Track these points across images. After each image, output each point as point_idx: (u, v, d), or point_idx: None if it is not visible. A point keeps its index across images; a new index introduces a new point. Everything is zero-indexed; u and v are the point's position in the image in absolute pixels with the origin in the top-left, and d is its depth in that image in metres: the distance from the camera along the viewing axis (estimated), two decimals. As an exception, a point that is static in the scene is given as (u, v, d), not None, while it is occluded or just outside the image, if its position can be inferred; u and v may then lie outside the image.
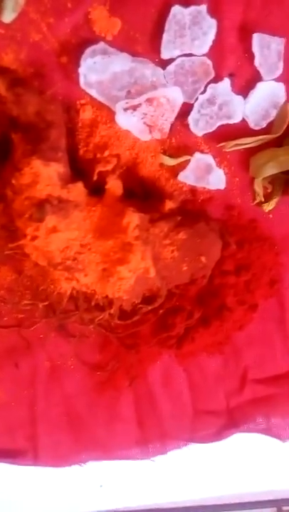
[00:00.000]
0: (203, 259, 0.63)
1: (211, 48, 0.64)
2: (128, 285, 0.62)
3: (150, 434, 0.70)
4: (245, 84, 0.65)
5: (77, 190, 0.61)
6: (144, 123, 0.63)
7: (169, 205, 0.63)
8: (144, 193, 0.66)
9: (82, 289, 0.63)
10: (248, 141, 0.65)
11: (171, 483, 0.73)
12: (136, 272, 0.61)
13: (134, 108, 0.62)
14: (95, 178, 0.63)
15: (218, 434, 0.71)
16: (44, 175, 0.59)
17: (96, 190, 0.63)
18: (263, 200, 0.67)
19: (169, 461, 0.71)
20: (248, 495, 0.75)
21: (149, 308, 0.64)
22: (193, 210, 0.66)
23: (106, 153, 0.64)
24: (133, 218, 0.60)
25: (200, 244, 0.62)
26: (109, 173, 0.63)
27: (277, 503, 0.76)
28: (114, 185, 0.63)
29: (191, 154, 0.65)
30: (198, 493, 0.74)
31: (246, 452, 0.73)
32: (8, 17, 0.62)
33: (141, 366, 0.69)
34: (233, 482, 0.74)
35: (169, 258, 0.62)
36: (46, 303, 0.65)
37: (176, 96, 0.62)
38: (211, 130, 0.65)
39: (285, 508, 0.78)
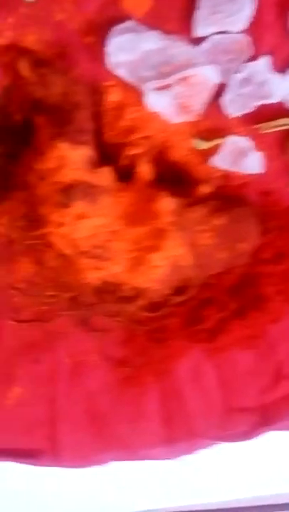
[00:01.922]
0: (241, 245, 0.60)
1: (248, 24, 0.61)
2: (160, 274, 0.59)
3: (177, 432, 0.68)
4: (284, 63, 0.63)
5: (105, 175, 0.58)
6: (176, 104, 0.61)
7: (204, 189, 0.60)
8: (174, 178, 0.63)
9: (109, 279, 0.61)
10: (287, 122, 0.63)
11: (194, 484, 0.71)
12: (170, 260, 0.58)
13: (166, 88, 0.60)
14: (124, 162, 0.61)
15: (249, 433, 0.68)
16: (71, 158, 0.57)
17: (124, 175, 0.60)
18: (302, 184, 0.65)
19: (194, 460, 0.69)
20: (280, 496, 0.72)
21: (181, 299, 0.62)
22: (230, 195, 0.63)
23: (135, 136, 0.62)
24: (167, 203, 0.58)
25: (239, 229, 0.60)
26: (139, 156, 0.60)
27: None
28: (145, 170, 0.60)
29: (225, 137, 0.63)
30: (224, 494, 0.71)
31: (278, 451, 0.71)
32: (32, -6, 0.60)
33: (168, 361, 0.66)
34: (262, 483, 0.71)
35: (204, 245, 0.59)
36: (71, 294, 0.63)
37: (210, 75, 0.60)
38: (246, 111, 0.62)
39: None
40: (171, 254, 0.58)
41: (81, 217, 0.57)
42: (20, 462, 0.67)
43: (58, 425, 0.66)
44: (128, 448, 0.68)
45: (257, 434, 0.69)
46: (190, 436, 0.68)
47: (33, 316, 0.65)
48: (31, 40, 0.61)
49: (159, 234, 0.58)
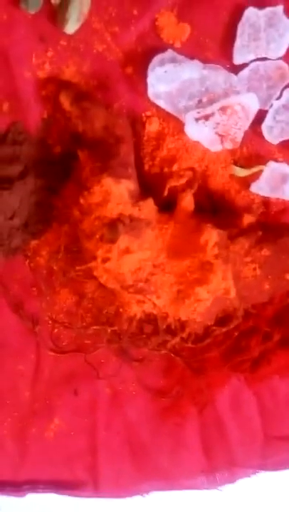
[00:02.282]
0: (287, 276, 0.59)
1: (288, 50, 0.60)
2: (204, 307, 0.58)
3: (217, 461, 0.67)
4: None
5: (148, 208, 0.58)
6: (216, 133, 0.59)
7: (248, 219, 0.59)
8: (213, 207, 0.62)
9: (153, 312, 0.60)
10: None
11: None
12: (215, 292, 0.57)
13: (207, 118, 0.59)
14: (166, 193, 0.60)
15: (290, 461, 0.67)
16: (115, 193, 0.56)
17: (166, 206, 0.60)
18: None
19: (237, 490, 0.67)
20: None
21: (224, 330, 0.61)
22: (274, 224, 0.62)
23: (175, 167, 0.61)
24: (212, 235, 0.56)
25: (285, 260, 0.58)
26: (182, 187, 0.59)
27: None
28: (188, 201, 0.59)
29: (264, 164, 0.62)
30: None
31: None
32: (72, 28, 0.59)
33: (209, 391, 0.65)
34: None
35: (250, 277, 0.58)
36: (115, 328, 0.62)
37: (251, 103, 0.59)
38: (287, 137, 0.61)
39: None
40: (218, 288, 0.57)
41: (126, 251, 0.56)
42: (62, 494, 0.66)
43: (98, 456, 0.66)
44: (168, 478, 0.67)
45: (298, 463, 0.68)
46: (231, 465, 0.67)
47: (72, 347, 0.64)
48: (71, 72, 0.60)
49: (205, 267, 0.57)
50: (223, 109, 0.59)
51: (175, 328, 0.60)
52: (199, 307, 0.58)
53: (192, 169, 0.60)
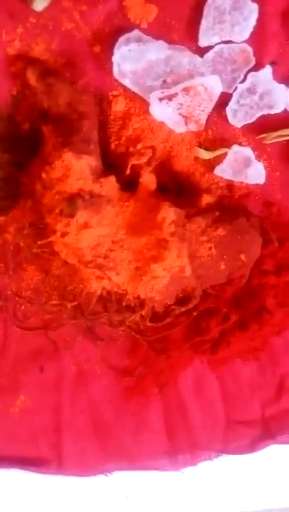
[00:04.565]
0: (242, 257, 0.59)
1: (252, 34, 0.61)
2: (162, 284, 0.59)
3: (180, 444, 0.67)
4: (288, 73, 0.63)
5: (110, 185, 0.58)
6: (180, 114, 0.60)
7: (207, 199, 0.60)
8: (177, 188, 0.63)
9: (112, 289, 0.61)
10: (291, 132, 0.62)
11: (199, 497, 0.70)
12: (171, 270, 0.58)
13: (170, 98, 0.60)
14: (128, 172, 0.60)
15: (252, 446, 0.68)
16: (76, 168, 0.57)
17: (128, 184, 0.60)
18: (305, 195, 0.64)
19: (199, 473, 0.68)
20: (280, 511, 0.71)
21: (183, 309, 0.62)
22: (231, 206, 0.63)
23: (139, 146, 0.61)
24: (169, 213, 0.57)
25: (240, 241, 0.59)
26: (143, 166, 0.60)
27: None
28: (148, 180, 0.60)
29: (229, 147, 0.62)
30: (227, 508, 0.70)
31: (282, 465, 0.69)
32: (40, 5, 0.60)
33: (171, 372, 0.66)
34: (266, 497, 0.70)
35: (206, 256, 0.59)
36: (75, 303, 0.62)
37: (214, 85, 0.59)
38: (250, 121, 0.62)
39: None
40: (173, 265, 0.58)
41: (85, 226, 0.57)
42: (27, 470, 0.67)
43: (63, 434, 0.66)
44: (131, 458, 0.67)
45: (260, 448, 0.68)
46: (193, 448, 0.68)
47: (38, 323, 0.65)
48: (40, 49, 0.61)
49: (161, 244, 0.57)
50: (186, 89, 0.59)
51: (134, 305, 0.61)
52: (157, 284, 0.59)
53: (152, 148, 0.61)
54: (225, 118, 0.62)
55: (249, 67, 0.61)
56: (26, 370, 0.65)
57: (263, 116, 0.62)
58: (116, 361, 0.66)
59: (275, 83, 0.61)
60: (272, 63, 0.62)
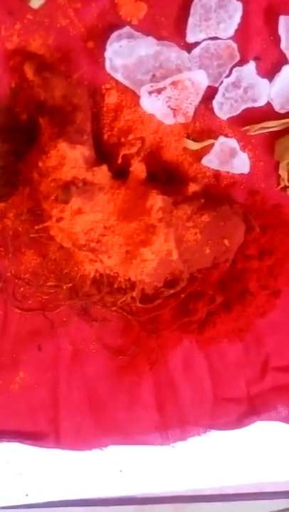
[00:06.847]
0: (226, 242, 0.63)
1: (237, 31, 0.64)
2: (151, 268, 0.62)
3: (170, 419, 0.70)
4: (271, 68, 0.65)
5: (102, 173, 0.61)
6: (169, 106, 0.63)
7: (193, 187, 0.63)
8: (167, 177, 0.66)
9: (105, 272, 0.64)
10: (273, 125, 0.65)
11: (189, 471, 0.73)
12: (159, 254, 0.61)
13: (159, 91, 0.63)
14: (120, 161, 0.63)
15: (238, 422, 0.71)
16: (70, 157, 0.60)
17: (120, 173, 0.63)
18: (287, 184, 0.67)
19: (189, 448, 0.71)
20: (267, 485, 0.74)
21: (171, 291, 0.65)
22: (217, 194, 0.66)
23: (130, 137, 0.64)
24: (157, 200, 0.60)
25: (223, 227, 0.62)
26: (133, 155, 0.63)
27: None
28: (138, 169, 0.63)
29: (215, 138, 0.65)
30: (216, 481, 0.73)
31: (267, 441, 0.73)
32: (37, 3, 0.63)
33: (161, 351, 0.69)
34: (253, 471, 0.73)
35: (192, 241, 0.62)
36: (70, 285, 0.65)
37: (201, 79, 0.62)
38: (235, 114, 0.65)
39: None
40: (160, 249, 0.61)
41: (78, 212, 0.60)
42: (26, 444, 0.70)
43: (60, 409, 0.69)
44: (124, 433, 0.70)
45: (246, 424, 0.71)
46: (182, 423, 0.70)
47: (36, 305, 0.68)
48: (37, 45, 0.64)
49: (150, 230, 0.60)
50: (174, 83, 0.62)
51: (126, 287, 0.64)
52: (146, 267, 0.62)
53: (142, 138, 0.64)
54: (211, 110, 0.65)
55: (234, 62, 0.64)
56: (25, 348, 0.68)
57: (247, 109, 0.65)
58: (110, 341, 0.69)
59: (259, 77, 0.64)
60: (256, 59, 0.65)
